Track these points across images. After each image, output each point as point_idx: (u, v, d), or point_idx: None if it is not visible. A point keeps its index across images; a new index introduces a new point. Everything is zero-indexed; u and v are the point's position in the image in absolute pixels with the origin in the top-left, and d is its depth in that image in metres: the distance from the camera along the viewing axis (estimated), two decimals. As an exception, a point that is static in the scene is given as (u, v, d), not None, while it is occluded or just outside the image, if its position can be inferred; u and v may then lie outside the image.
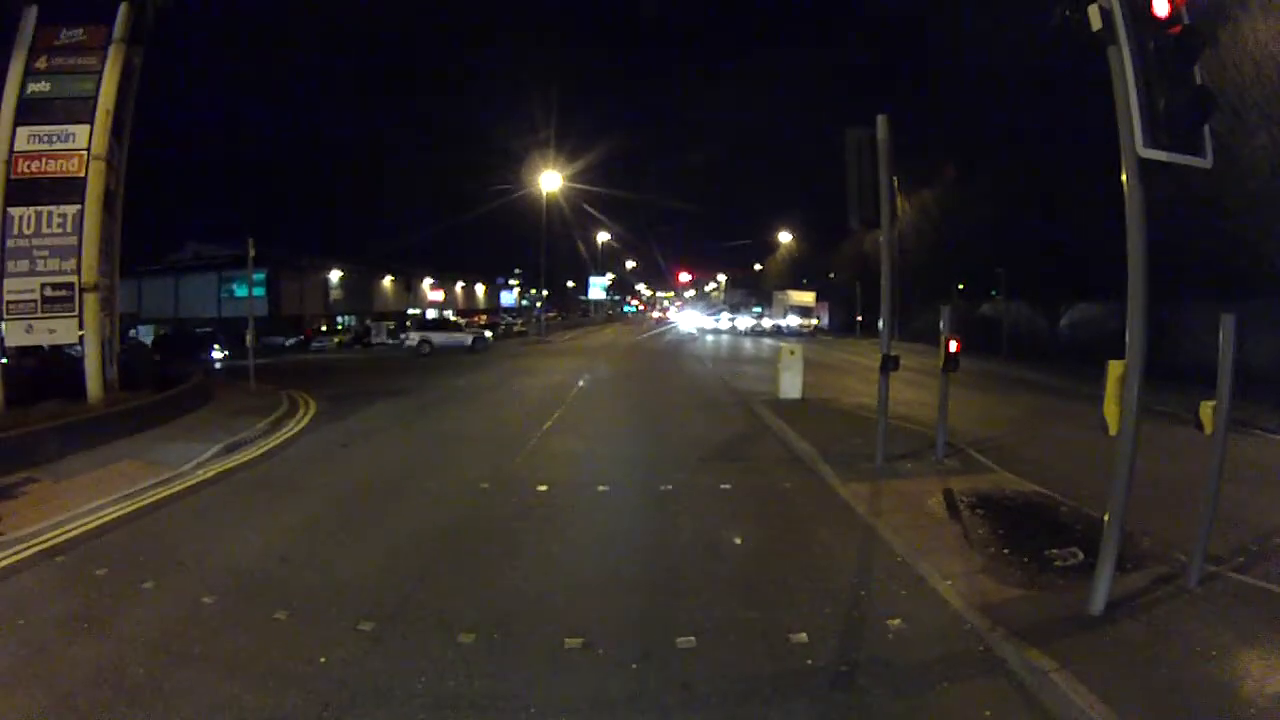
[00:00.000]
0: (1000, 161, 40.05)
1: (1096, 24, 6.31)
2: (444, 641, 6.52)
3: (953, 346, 12.92)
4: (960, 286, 47.01)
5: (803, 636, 6.62)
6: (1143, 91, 6.20)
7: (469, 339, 49.82)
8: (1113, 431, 6.74)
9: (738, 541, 9.42)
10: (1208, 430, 7.14)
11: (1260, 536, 9.09)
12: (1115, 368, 6.71)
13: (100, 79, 18.39)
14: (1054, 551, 8.30)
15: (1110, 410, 6.77)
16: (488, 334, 55.38)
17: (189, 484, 12.25)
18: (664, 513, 10.73)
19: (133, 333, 60.57)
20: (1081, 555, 8.11)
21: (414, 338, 49.82)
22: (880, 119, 12.29)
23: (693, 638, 6.59)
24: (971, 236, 43.24)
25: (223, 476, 12.87)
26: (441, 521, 10.21)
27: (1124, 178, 6.43)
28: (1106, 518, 6.74)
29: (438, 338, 49.34)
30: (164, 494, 11.60)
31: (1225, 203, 20.97)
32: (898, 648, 6.52)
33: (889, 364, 12.78)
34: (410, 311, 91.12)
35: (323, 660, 6.17)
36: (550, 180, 68.06)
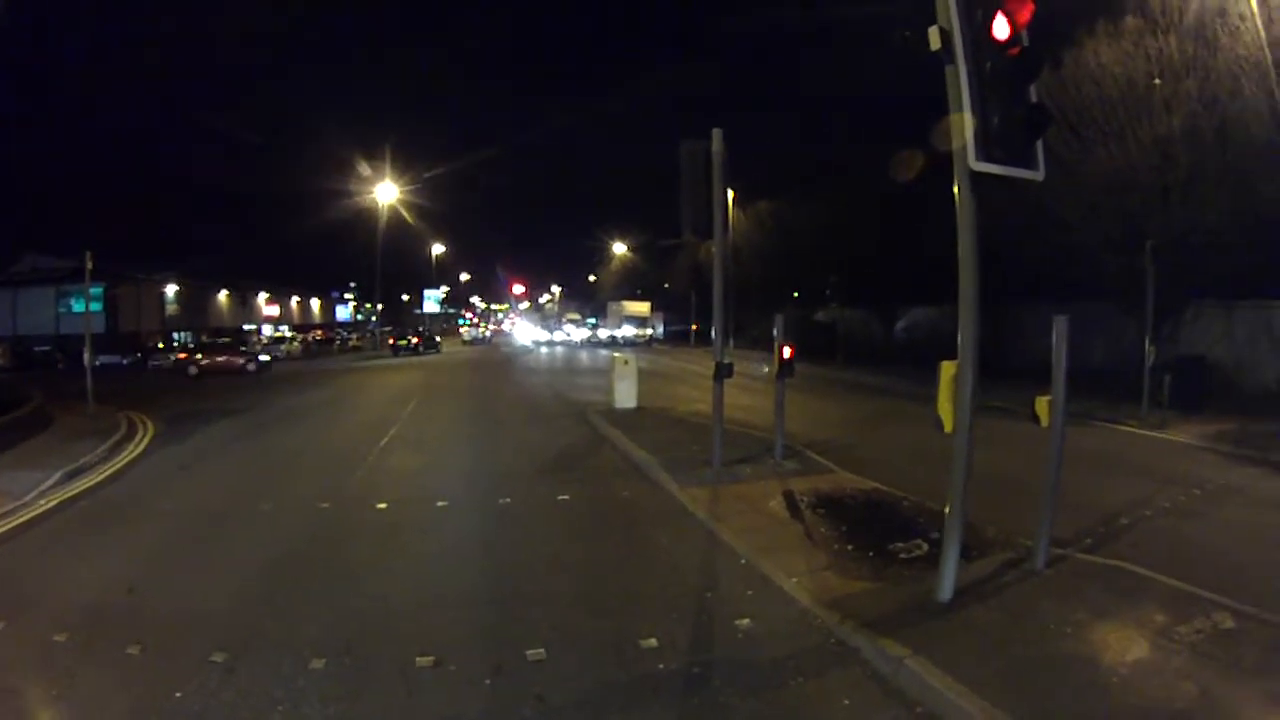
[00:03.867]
0: (837, 171, 41.03)
1: (935, 44, 6.57)
2: (296, 668, 6.40)
3: (786, 353, 13.28)
4: (795, 294, 47.99)
5: (652, 641, 6.71)
6: (978, 108, 6.51)
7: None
8: (948, 429, 7.04)
9: (580, 552, 9.48)
10: (1043, 423, 7.62)
11: (1105, 519, 9.73)
12: (948, 368, 7.02)
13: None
14: (898, 545, 8.62)
15: (944, 408, 7.07)
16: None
17: (33, 514, 11.69)
18: (505, 526, 10.78)
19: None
20: (926, 547, 8.45)
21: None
22: (715, 133, 12.47)
23: (543, 650, 6.61)
24: (807, 245, 44.24)
25: (66, 505, 12.35)
26: (285, 543, 10.03)
27: (956, 188, 6.74)
28: (948, 503, 7.01)
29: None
30: (8, 526, 11.05)
31: (1065, 214, 22.15)
32: (749, 646, 6.68)
33: (722, 371, 13.01)
34: (246, 327, 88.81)
35: (179, 695, 5.98)
36: (386, 192, 67.34)
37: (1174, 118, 20.43)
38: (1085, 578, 7.52)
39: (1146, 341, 19.37)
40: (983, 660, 5.86)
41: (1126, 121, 21.05)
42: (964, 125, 6.50)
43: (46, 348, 59.31)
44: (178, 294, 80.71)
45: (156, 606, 7.94)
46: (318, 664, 6.47)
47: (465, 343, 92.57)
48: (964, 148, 6.54)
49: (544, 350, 67.02)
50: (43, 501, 12.40)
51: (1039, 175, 6.89)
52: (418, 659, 6.50)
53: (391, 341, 72.08)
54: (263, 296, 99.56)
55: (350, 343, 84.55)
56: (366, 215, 69.09)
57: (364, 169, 66.85)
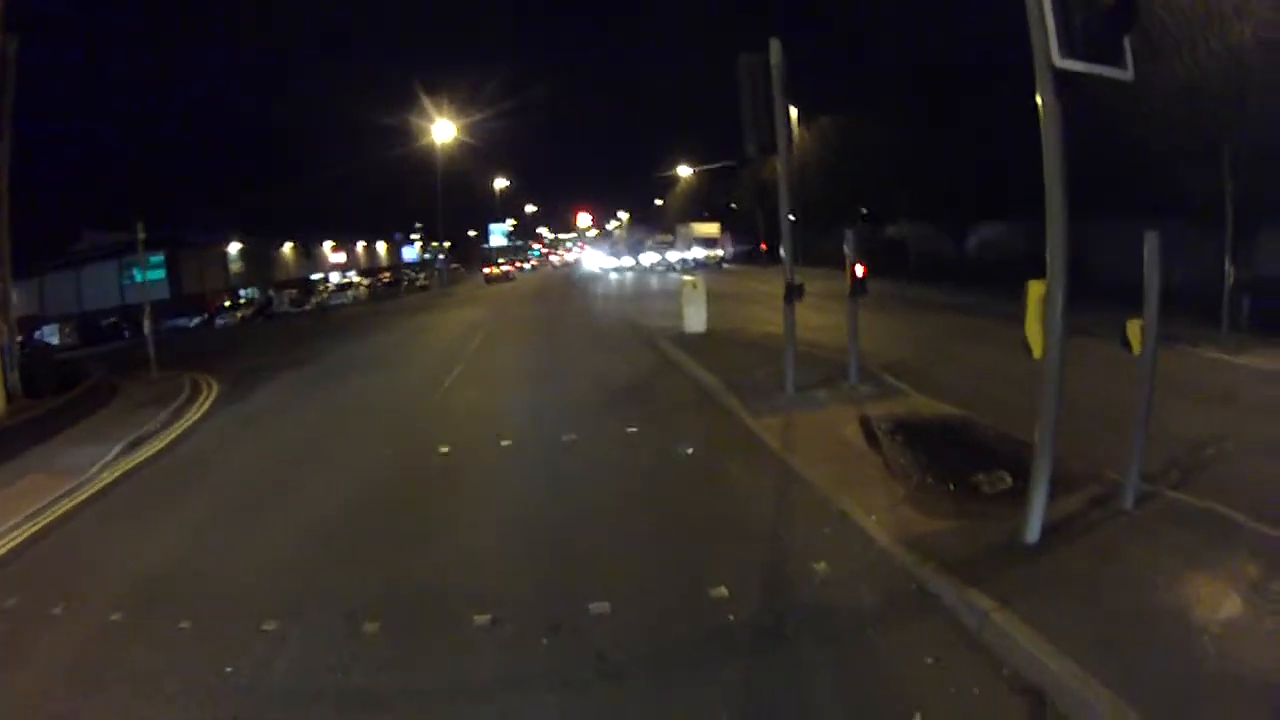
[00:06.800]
0: (900, 84, 39.75)
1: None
2: (349, 633, 6.22)
3: (859, 271, 12.57)
4: (864, 211, 46.94)
5: (722, 590, 6.33)
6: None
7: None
8: (1037, 355, 6.45)
9: (648, 490, 9.17)
10: (1135, 350, 6.94)
11: (1189, 450, 8.97)
12: (1036, 288, 6.39)
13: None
14: (980, 477, 8.06)
15: (1033, 332, 6.46)
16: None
17: (94, 490, 11.65)
18: (570, 464, 10.50)
19: (37, 334, 58.95)
20: (1010, 480, 7.89)
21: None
22: (773, 43, 11.91)
23: (606, 603, 6.27)
24: (873, 160, 43.01)
25: (126, 477, 12.33)
26: (342, 498, 9.87)
27: (1038, 93, 6.12)
28: (1037, 438, 6.51)
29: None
30: (70, 505, 10.98)
31: (1134, 124, 21.06)
32: (825, 593, 6.28)
33: (793, 292, 12.44)
34: (313, 277, 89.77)
35: (229, 670, 5.85)
36: (444, 130, 67.64)
37: (1245, 25, 19.35)
38: (1174, 520, 6.91)
39: (1226, 261, 18.50)
40: (1071, 614, 5.38)
41: (1197, 28, 19.97)
42: (1045, 19, 5.86)
43: (113, 319, 60.41)
44: (241, 252, 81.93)
45: (209, 576, 7.88)
46: (370, 628, 6.28)
47: (556, 268, 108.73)
48: (1046, 45, 5.90)
49: (613, 277, 66.30)
50: (105, 475, 12.40)
51: (1128, 75, 6.17)
52: (475, 617, 6.25)
53: (488, 272, 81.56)
54: (328, 245, 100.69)
55: (418, 282, 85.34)
56: (428, 153, 69.67)
57: (424, 104, 67.45)
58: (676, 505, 8.57)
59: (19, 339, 53.87)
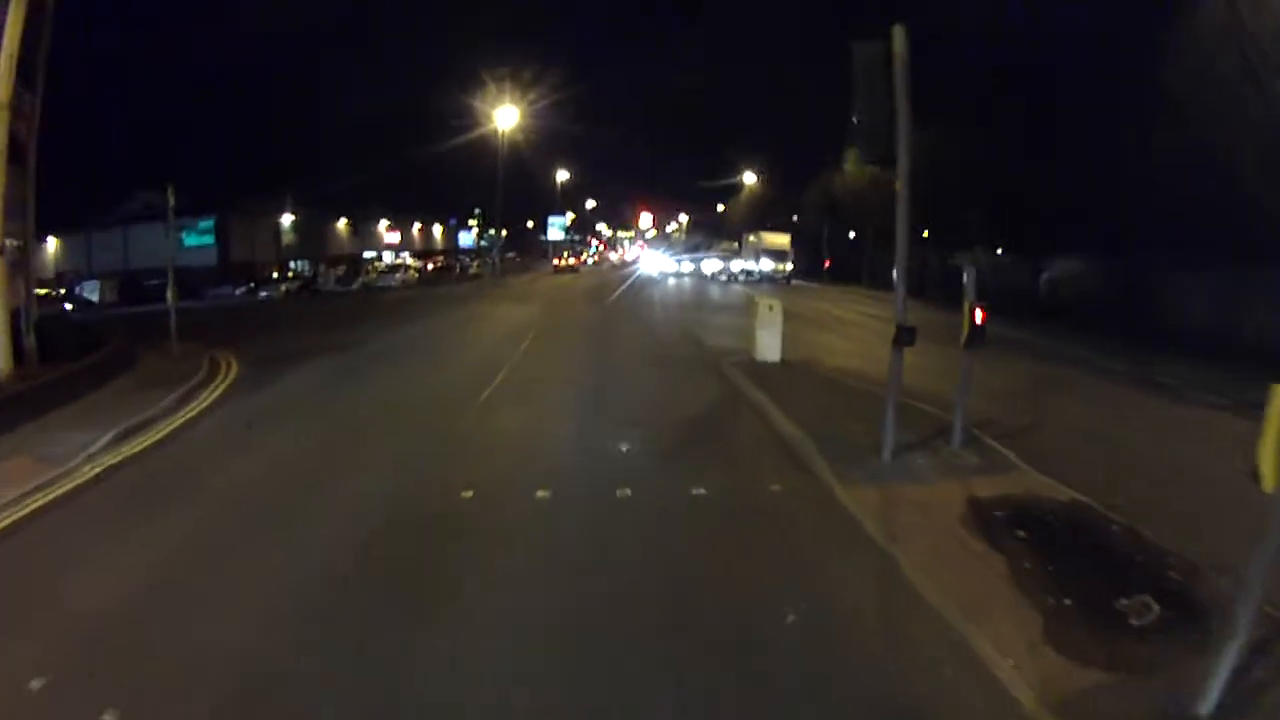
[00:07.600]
0: (983, 97, 37.86)
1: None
2: None
3: (979, 317, 10.53)
4: (925, 235, 45.01)
5: None
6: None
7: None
8: (1268, 485, 4.66)
9: (722, 594, 7.09)
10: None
11: None
12: None
13: (3, 20, 16.41)
14: (1124, 603, 6.47)
15: (1268, 455, 4.63)
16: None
17: (68, 488, 10.36)
18: (620, 536, 8.49)
19: (78, 289, 59.20)
20: (1157, 607, 6.35)
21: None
22: (897, 30, 9.92)
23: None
24: (947, 184, 41.25)
25: (106, 475, 11.01)
26: (333, 548, 8.07)
27: None
28: (1237, 601, 4.92)
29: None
30: (40, 502, 9.76)
31: (1235, 165, 19.32)
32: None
33: (905, 337, 10.27)
34: (366, 255, 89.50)
35: None
36: (508, 117, 67.75)
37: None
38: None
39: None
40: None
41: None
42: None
43: (156, 282, 59.89)
44: (294, 223, 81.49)
45: (158, 638, 6.38)
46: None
47: (614, 266, 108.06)
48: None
49: (670, 282, 62.87)
50: (86, 468, 11.20)
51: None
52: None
53: (557, 263, 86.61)
54: (383, 223, 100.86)
55: (471, 270, 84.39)
56: (491, 139, 69.97)
57: (489, 90, 67.71)
58: (760, 619, 6.58)
59: (60, 291, 54.56)
